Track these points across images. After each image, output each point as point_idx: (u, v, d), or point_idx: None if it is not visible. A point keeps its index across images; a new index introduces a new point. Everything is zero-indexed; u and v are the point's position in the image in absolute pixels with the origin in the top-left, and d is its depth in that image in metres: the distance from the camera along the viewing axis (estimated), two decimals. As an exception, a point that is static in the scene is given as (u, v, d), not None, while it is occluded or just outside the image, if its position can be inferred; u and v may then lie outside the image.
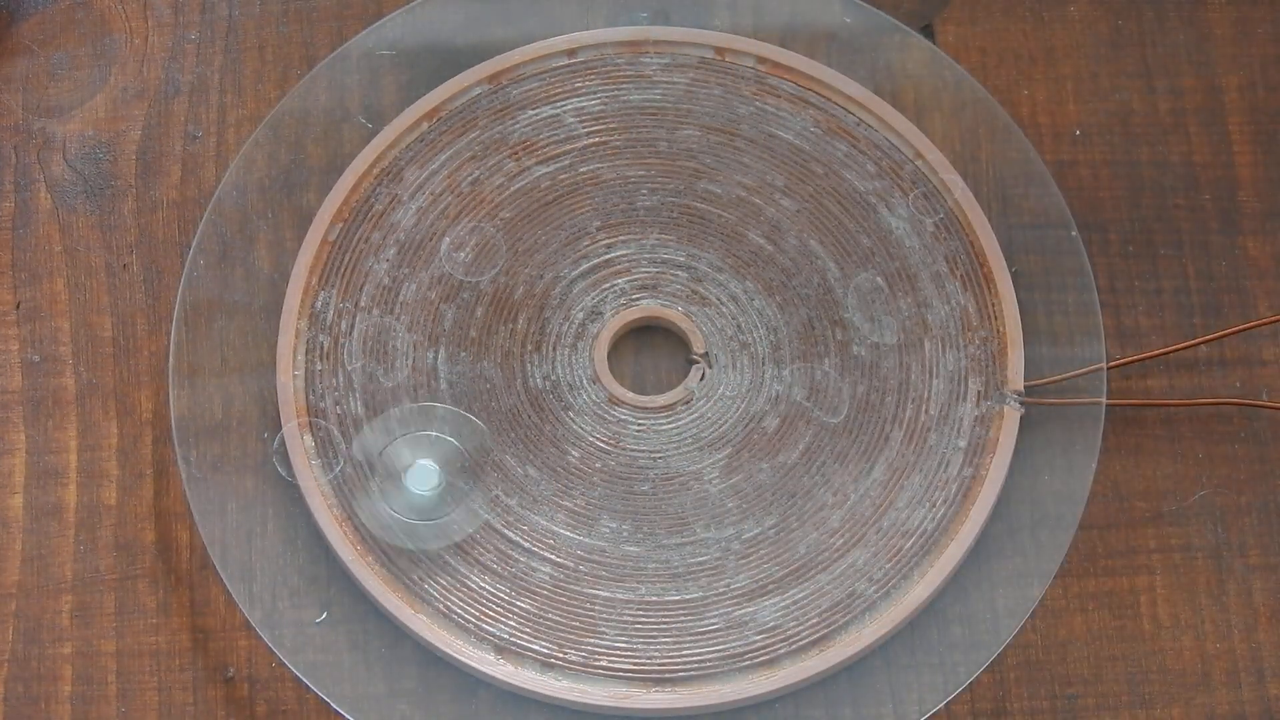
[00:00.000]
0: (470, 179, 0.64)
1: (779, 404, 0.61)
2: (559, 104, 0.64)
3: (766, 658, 0.59)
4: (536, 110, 0.64)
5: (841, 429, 0.61)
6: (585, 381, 0.62)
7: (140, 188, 0.65)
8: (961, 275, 0.62)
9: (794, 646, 0.59)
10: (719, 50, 0.65)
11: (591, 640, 0.59)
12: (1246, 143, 0.66)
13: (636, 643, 0.59)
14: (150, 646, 0.60)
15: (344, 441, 0.61)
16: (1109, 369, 0.61)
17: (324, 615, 0.60)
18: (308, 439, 0.61)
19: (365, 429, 0.60)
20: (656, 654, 0.59)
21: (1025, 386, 0.61)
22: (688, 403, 0.62)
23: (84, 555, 0.61)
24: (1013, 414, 0.61)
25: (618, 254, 0.63)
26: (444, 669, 0.60)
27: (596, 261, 0.63)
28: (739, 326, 0.62)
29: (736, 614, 0.59)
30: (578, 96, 0.65)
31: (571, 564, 0.60)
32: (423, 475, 0.59)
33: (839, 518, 0.60)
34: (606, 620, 0.59)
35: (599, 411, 0.61)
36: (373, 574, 0.59)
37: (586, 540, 0.60)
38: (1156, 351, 0.62)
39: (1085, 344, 0.62)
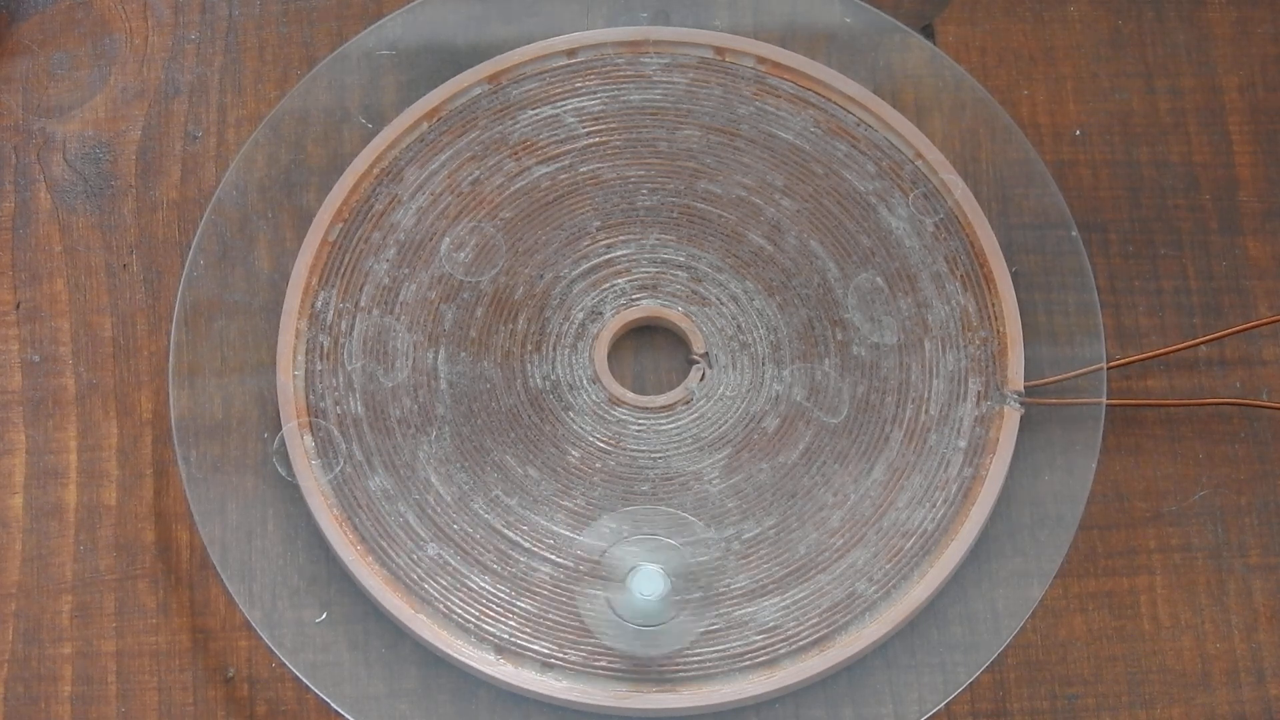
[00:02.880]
0: (470, 179, 0.64)
1: (779, 404, 0.61)
2: (559, 104, 0.64)
3: (766, 658, 0.59)
4: (536, 110, 0.64)
5: (841, 429, 0.61)
6: (585, 381, 0.62)
7: (140, 188, 0.65)
8: (961, 275, 0.62)
9: (794, 646, 0.59)
10: (719, 50, 0.65)
11: (591, 640, 0.59)
12: (1246, 143, 0.66)
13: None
14: (150, 646, 0.60)
15: (344, 441, 0.61)
16: (1109, 369, 0.61)
17: (324, 615, 0.60)
18: (308, 439, 0.61)
19: (600, 526, 0.60)
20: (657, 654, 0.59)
21: (1025, 386, 0.61)
22: (688, 403, 0.62)
23: (84, 555, 0.61)
24: (1013, 414, 0.61)
25: (618, 254, 0.63)
26: (444, 669, 0.60)
27: (596, 261, 0.63)
28: (739, 326, 0.62)
29: (736, 614, 0.59)
30: (578, 96, 0.65)
31: (571, 564, 0.60)
32: (648, 580, 0.58)
33: (839, 518, 0.60)
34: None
35: (599, 411, 0.61)
36: (373, 574, 0.59)
37: (587, 540, 0.60)
38: (1156, 351, 0.62)
39: (1085, 344, 0.62)
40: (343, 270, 0.62)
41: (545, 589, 0.59)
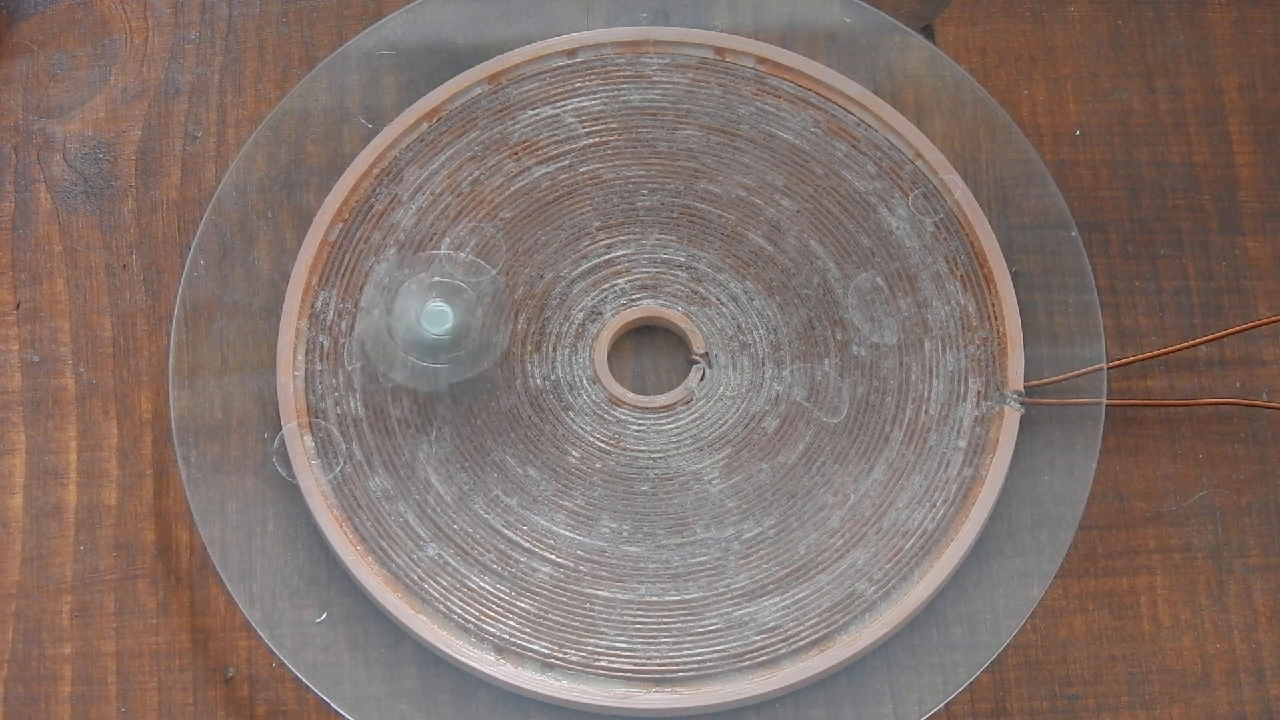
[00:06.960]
0: (470, 179, 0.64)
1: (779, 404, 0.61)
2: (559, 104, 0.64)
3: (766, 658, 0.59)
4: (536, 110, 0.64)
5: (841, 429, 0.61)
6: (585, 381, 0.62)
7: (140, 188, 0.65)
8: (961, 275, 0.62)
9: (794, 646, 0.59)
10: (719, 50, 0.65)
11: (591, 640, 0.59)
12: (1246, 143, 0.66)
13: (636, 643, 0.59)
14: (150, 646, 0.60)
15: (344, 441, 0.61)
16: (1109, 369, 0.61)
17: (324, 615, 0.60)
18: (308, 439, 0.61)
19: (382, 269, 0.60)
20: (656, 654, 0.59)
21: (1025, 386, 0.61)
22: (688, 403, 0.62)
23: (84, 555, 0.61)
24: (1013, 414, 0.61)
25: (618, 254, 0.63)
26: (444, 669, 0.60)
27: (596, 261, 0.63)
28: (739, 326, 0.62)
29: (736, 614, 0.59)
30: (578, 96, 0.65)
31: (571, 564, 0.60)
32: (436, 317, 0.59)
33: (839, 518, 0.60)
34: (606, 620, 0.59)
35: (599, 411, 0.61)
36: (373, 574, 0.59)
37: (586, 540, 0.60)
38: (1156, 352, 0.62)
39: (1085, 344, 0.62)
40: (343, 270, 0.62)
41: (545, 589, 0.59)
